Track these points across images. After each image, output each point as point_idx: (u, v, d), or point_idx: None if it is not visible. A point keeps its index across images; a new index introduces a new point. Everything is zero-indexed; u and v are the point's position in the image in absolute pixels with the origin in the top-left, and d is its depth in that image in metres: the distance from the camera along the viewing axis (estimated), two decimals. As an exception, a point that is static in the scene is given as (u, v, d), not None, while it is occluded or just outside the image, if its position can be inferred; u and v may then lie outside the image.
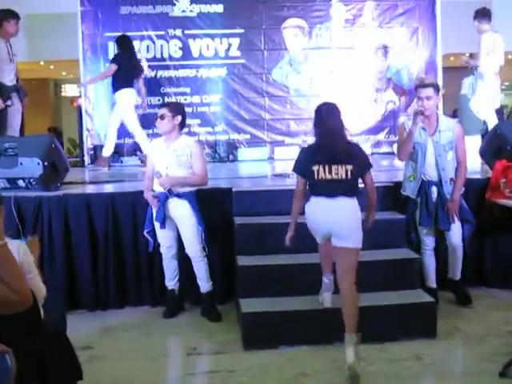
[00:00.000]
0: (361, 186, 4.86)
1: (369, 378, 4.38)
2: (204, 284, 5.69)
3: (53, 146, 6.33)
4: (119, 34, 9.69)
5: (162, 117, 5.55)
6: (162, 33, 10.20)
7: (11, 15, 7.89)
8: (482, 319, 5.41)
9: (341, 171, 4.50)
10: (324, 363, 4.60)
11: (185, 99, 10.16)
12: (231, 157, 10.13)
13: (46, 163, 6.12)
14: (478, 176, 6.62)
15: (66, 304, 5.37)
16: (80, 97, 10.45)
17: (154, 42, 10.20)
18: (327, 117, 4.59)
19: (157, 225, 5.58)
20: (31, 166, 6.09)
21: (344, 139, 4.64)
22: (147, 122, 9.77)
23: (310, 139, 7.81)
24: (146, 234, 5.67)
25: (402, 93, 10.50)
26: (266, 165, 9.51)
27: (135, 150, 9.94)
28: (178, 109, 5.69)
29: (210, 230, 5.62)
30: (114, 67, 8.83)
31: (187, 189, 5.54)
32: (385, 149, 10.33)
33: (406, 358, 4.67)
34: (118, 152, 9.90)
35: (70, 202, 6.02)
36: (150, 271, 6.05)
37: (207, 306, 5.69)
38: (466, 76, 8.71)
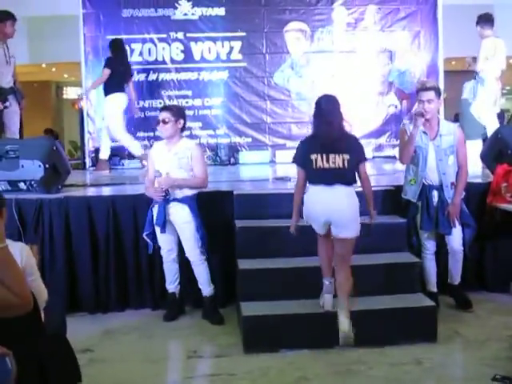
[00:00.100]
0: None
1: (369, 382, 4.40)
2: (206, 288, 5.70)
3: (54, 148, 6.33)
4: (121, 36, 9.73)
5: (165, 121, 5.53)
6: (164, 36, 10.20)
7: (7, 16, 7.87)
8: (482, 324, 5.41)
9: (338, 160, 4.64)
10: (324, 367, 4.61)
11: (186, 102, 10.16)
12: (232, 160, 10.12)
13: (47, 165, 6.12)
14: (479, 180, 6.62)
15: (66, 306, 5.42)
16: (81, 99, 10.46)
17: (155, 45, 10.19)
18: (326, 108, 4.72)
19: (157, 229, 5.58)
20: (32, 169, 6.09)
21: (341, 129, 4.76)
22: (148, 124, 9.86)
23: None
24: (145, 237, 5.67)
25: (404, 96, 10.50)
26: (268, 168, 9.50)
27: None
28: (180, 113, 5.69)
29: (211, 233, 5.62)
30: (108, 72, 8.86)
31: (187, 193, 5.54)
32: (386, 152, 10.33)
33: (406, 362, 4.67)
34: (119, 155, 9.91)
35: (71, 205, 6.02)
36: (150, 274, 6.05)
37: (209, 310, 5.69)
38: (467, 80, 8.71)
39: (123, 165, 9.80)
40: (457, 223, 5.55)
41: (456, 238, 5.62)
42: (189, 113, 9.90)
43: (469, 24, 8.58)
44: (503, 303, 5.92)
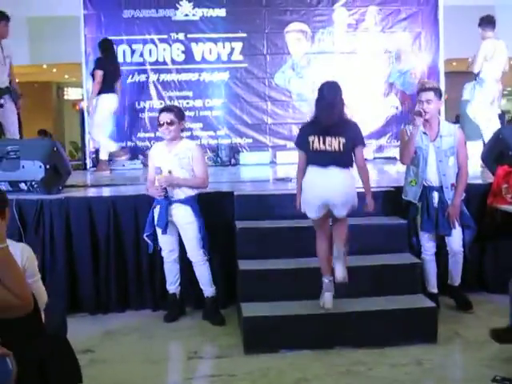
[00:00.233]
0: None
1: (369, 383, 4.40)
2: (208, 288, 5.70)
3: (55, 149, 6.33)
4: (122, 37, 9.75)
5: (170, 123, 5.51)
6: (165, 36, 10.19)
7: (1, 17, 7.87)
8: (482, 325, 5.39)
9: (334, 143, 4.75)
10: (325, 368, 4.61)
11: (187, 103, 10.16)
12: (233, 161, 10.11)
13: (47, 166, 6.12)
14: (479, 181, 6.61)
15: (67, 307, 5.41)
16: (82, 100, 10.47)
17: (156, 46, 10.18)
18: (328, 93, 4.82)
19: (158, 230, 5.58)
20: (33, 169, 6.09)
21: (341, 114, 4.84)
22: (149, 125, 9.87)
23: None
24: (146, 238, 5.67)
25: (405, 97, 10.50)
26: (268, 169, 9.50)
27: (137, 153, 9.98)
28: (181, 113, 5.68)
29: (212, 234, 5.63)
30: (101, 72, 8.87)
31: (188, 193, 5.54)
32: (387, 153, 10.32)
33: (406, 363, 4.67)
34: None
35: (71, 206, 6.02)
36: (151, 275, 6.05)
37: (211, 310, 5.69)
38: (468, 81, 8.71)
39: (124, 165, 9.80)
40: (457, 224, 5.55)
41: (456, 240, 5.62)
42: (189, 114, 9.95)
43: (470, 25, 8.59)
44: (503, 304, 5.86)
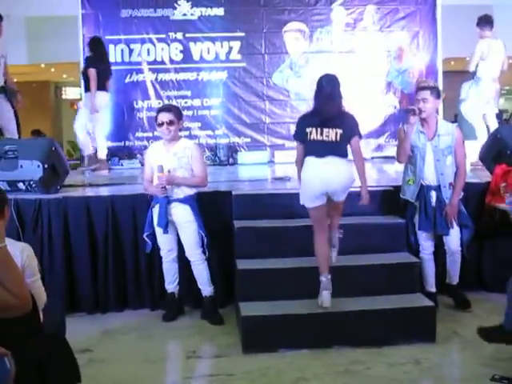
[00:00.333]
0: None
1: (367, 382, 4.40)
2: (206, 288, 5.70)
3: (53, 148, 6.33)
4: (120, 37, 9.74)
5: (171, 123, 5.49)
6: (163, 36, 10.18)
7: None
8: (481, 323, 5.37)
9: (331, 134, 4.89)
10: (323, 367, 4.61)
11: (185, 102, 10.15)
12: (231, 160, 10.11)
13: (46, 166, 6.12)
14: (477, 180, 6.61)
15: (65, 307, 5.40)
16: (80, 99, 10.45)
17: (154, 45, 10.18)
18: (326, 86, 4.97)
19: (159, 230, 5.56)
20: (31, 169, 6.09)
21: (338, 106, 4.97)
22: (149, 125, 9.87)
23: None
24: (146, 238, 5.67)
25: (403, 97, 10.50)
26: (266, 168, 9.51)
27: (135, 152, 9.98)
28: (180, 113, 5.68)
29: (210, 234, 5.62)
30: (94, 71, 8.81)
31: (187, 192, 5.54)
32: (385, 153, 10.30)
33: (405, 362, 4.67)
34: (118, 155, 9.92)
35: (69, 205, 6.02)
36: (149, 274, 6.05)
37: (209, 310, 5.69)
38: (466, 80, 8.71)
39: (122, 165, 9.80)
40: (454, 224, 5.55)
41: (454, 239, 5.62)
42: (188, 113, 9.96)
43: (468, 24, 8.59)
44: (502, 303, 5.86)
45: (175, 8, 10.17)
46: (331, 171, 4.87)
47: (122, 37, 10.03)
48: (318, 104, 4.98)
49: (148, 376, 4.60)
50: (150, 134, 9.87)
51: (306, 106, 9.80)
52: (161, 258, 5.74)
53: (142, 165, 8.83)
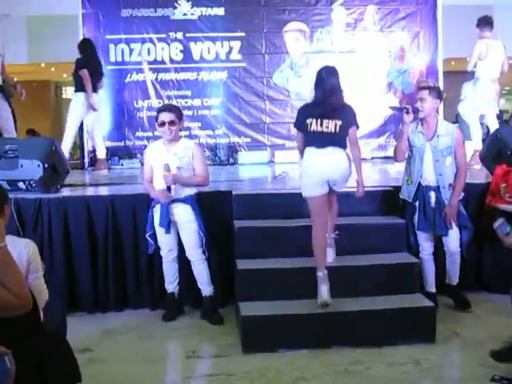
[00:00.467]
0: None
1: (367, 382, 4.40)
2: (206, 288, 5.69)
3: (53, 148, 6.33)
4: (120, 36, 9.73)
5: (173, 123, 5.48)
6: (163, 36, 10.19)
7: None
8: (481, 324, 5.41)
9: (330, 125, 5.02)
10: (323, 367, 4.61)
11: (185, 102, 10.15)
12: (231, 160, 10.12)
13: (46, 165, 6.12)
14: (474, 180, 6.61)
15: (65, 306, 5.40)
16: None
17: (155, 45, 10.18)
18: (326, 77, 5.11)
19: (161, 230, 5.55)
20: (31, 168, 6.09)
21: (338, 98, 5.09)
22: (149, 124, 9.87)
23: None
24: (148, 238, 5.66)
25: (403, 97, 10.49)
26: (267, 168, 9.51)
27: (135, 152, 9.99)
28: (181, 112, 5.67)
29: (210, 233, 5.62)
30: (86, 71, 8.80)
31: (188, 192, 5.53)
32: (386, 153, 10.30)
33: (405, 363, 4.67)
34: (118, 155, 9.92)
35: (69, 205, 6.02)
36: (149, 274, 6.05)
37: (209, 310, 5.69)
38: (466, 81, 8.71)
39: (122, 164, 9.80)
40: (453, 225, 5.54)
41: (453, 240, 5.61)
42: (188, 113, 9.96)
43: (468, 24, 8.59)
44: (502, 303, 5.87)
45: (175, 8, 10.17)
46: (332, 160, 5.01)
47: (123, 36, 10.04)
48: (319, 95, 5.07)
49: (148, 376, 4.60)
50: (150, 134, 9.88)
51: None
52: (161, 257, 5.74)
53: (142, 164, 8.81)
